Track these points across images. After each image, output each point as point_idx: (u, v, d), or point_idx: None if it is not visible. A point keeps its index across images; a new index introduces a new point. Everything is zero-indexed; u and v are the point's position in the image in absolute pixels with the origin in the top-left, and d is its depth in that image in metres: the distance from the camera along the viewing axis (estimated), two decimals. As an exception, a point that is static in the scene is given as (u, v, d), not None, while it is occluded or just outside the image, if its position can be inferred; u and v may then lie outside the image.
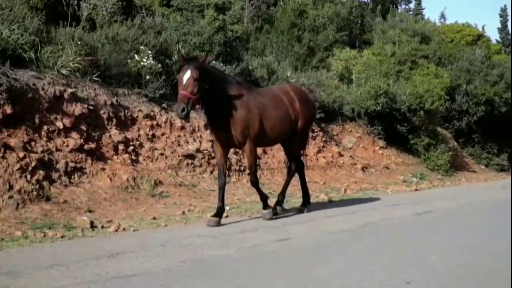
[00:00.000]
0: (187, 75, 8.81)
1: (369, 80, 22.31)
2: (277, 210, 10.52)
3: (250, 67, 17.88)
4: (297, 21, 26.77)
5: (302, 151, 11.50)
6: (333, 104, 20.27)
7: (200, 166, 13.78)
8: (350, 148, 19.96)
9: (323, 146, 18.56)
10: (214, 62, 15.87)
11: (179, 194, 12.05)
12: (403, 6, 47.50)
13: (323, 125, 19.64)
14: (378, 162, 19.95)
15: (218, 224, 9.33)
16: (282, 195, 10.94)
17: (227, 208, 11.23)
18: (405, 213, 11.49)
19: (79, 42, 12.82)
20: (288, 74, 19.76)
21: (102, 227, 9.00)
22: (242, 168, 14.63)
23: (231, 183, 13.93)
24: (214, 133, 9.84)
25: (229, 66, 16.24)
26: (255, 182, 10.10)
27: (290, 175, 11.15)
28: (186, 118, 9.30)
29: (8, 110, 10.46)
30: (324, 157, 17.99)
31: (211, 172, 13.84)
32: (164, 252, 7.39)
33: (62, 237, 8.25)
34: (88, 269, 6.39)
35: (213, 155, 14.19)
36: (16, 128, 10.59)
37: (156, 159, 12.89)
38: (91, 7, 15.67)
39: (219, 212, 9.55)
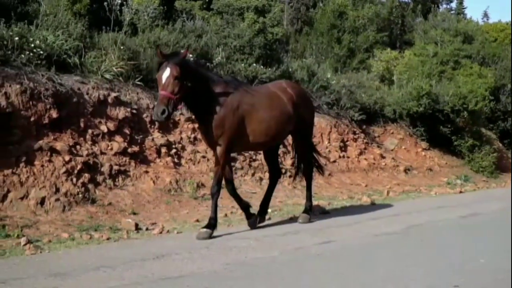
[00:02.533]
0: (166, 73, 8.08)
1: (410, 81, 22.05)
2: (301, 220, 9.94)
3: (290, 70, 17.85)
4: (337, 23, 26.66)
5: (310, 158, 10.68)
6: (374, 106, 20.11)
7: (242, 168, 13.81)
8: (392, 150, 19.77)
9: (365, 148, 18.41)
10: (254, 64, 15.90)
11: (221, 196, 12.02)
12: (445, 6, 46.79)
13: (364, 127, 19.50)
14: (421, 164, 19.72)
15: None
16: (308, 201, 10.34)
17: (269, 210, 11.25)
18: (450, 215, 11.32)
19: (121, 47, 12.97)
20: (328, 76, 19.66)
21: (147, 229, 9.09)
22: (283, 170, 14.58)
23: (273, 186, 13.91)
24: (202, 135, 9.38)
25: (269, 69, 16.25)
26: (214, 193, 8.84)
27: (308, 180, 10.55)
28: (167, 120, 8.75)
29: (54, 114, 10.66)
30: (365, 159, 17.85)
31: (253, 175, 13.86)
32: (208, 254, 7.43)
33: (107, 239, 8.37)
34: (135, 271, 6.47)
35: (254, 157, 14.25)
36: (61, 132, 10.79)
37: (198, 162, 12.96)
38: (133, 12, 15.89)
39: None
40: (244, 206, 9.47)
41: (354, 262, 7.16)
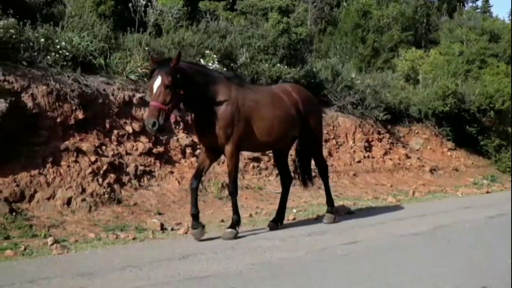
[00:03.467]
0: (157, 83, 7.65)
1: (436, 80, 21.86)
2: (326, 220, 9.84)
3: (314, 69, 17.79)
4: (361, 22, 26.51)
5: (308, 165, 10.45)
6: (399, 106, 19.99)
7: (266, 169, 13.80)
8: (417, 150, 19.62)
9: (390, 148, 18.31)
10: (279, 64, 15.88)
11: (245, 197, 12.09)
12: (470, 4, 46.33)
13: (389, 126, 19.39)
14: (447, 164, 19.54)
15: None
16: (330, 205, 10.15)
17: (294, 211, 11.23)
18: (477, 216, 11.19)
19: (146, 48, 13.03)
20: (353, 76, 19.59)
21: (172, 229, 9.11)
22: (308, 170, 14.55)
23: (297, 186, 13.84)
24: (199, 136, 8.78)
25: (293, 69, 16.21)
26: (232, 192, 8.73)
27: (324, 181, 10.35)
28: (159, 132, 8.29)
29: (80, 115, 10.74)
30: (391, 159, 17.74)
31: (277, 175, 13.77)
32: (234, 255, 7.42)
33: (133, 239, 8.41)
34: (161, 271, 6.48)
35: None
36: (87, 133, 10.88)
37: (223, 162, 12.92)
38: (157, 13, 15.95)
39: (198, 222, 8.43)
40: (194, 212, 8.48)
41: (381, 263, 7.10)
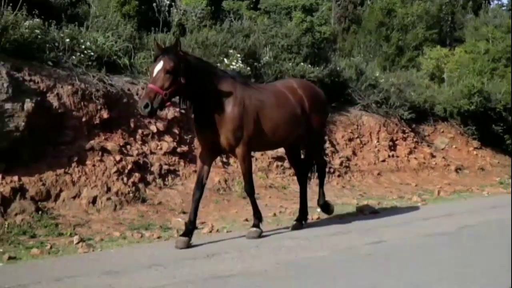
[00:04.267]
0: (158, 67, 7.47)
1: (461, 78, 21.64)
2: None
3: (338, 68, 17.70)
4: (385, 20, 26.37)
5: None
6: (424, 104, 19.82)
7: (290, 168, 13.72)
8: (442, 149, 19.43)
9: (415, 147, 18.16)
10: (302, 63, 15.83)
11: (269, 196, 12.08)
12: (496, 2, 45.88)
13: (414, 125, 19.25)
14: (473, 163, 19.33)
15: (188, 245, 7.76)
16: (321, 199, 9.78)
17: (318, 210, 11.18)
18: (504, 215, 11.01)
19: (170, 47, 13.04)
20: (377, 74, 19.45)
21: (196, 228, 9.10)
22: (332, 170, 14.52)
23: (321, 185, 13.84)
24: (199, 135, 8.38)
25: (317, 68, 16.14)
26: (250, 192, 8.60)
27: (320, 179, 9.89)
28: (151, 115, 8.20)
29: (105, 115, 10.81)
30: (415, 158, 17.60)
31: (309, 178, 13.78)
32: (259, 254, 7.40)
33: (158, 237, 8.46)
34: (186, 269, 6.49)
35: (302, 156, 14.16)
36: (112, 132, 10.94)
37: (247, 161, 12.95)
38: (181, 13, 16.01)
39: (189, 230, 7.97)
40: (192, 220, 8.12)
41: (406, 263, 7.04)
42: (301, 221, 9.43)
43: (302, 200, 9.65)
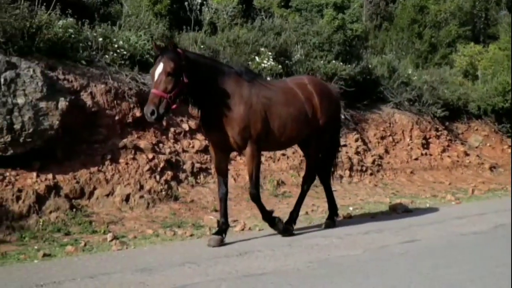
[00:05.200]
0: (159, 69, 7.22)
1: (496, 76, 21.31)
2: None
3: (370, 66, 17.58)
4: (418, 17, 26.07)
5: (334, 157, 9.82)
6: (458, 102, 19.58)
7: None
8: (476, 147, 19.18)
9: (448, 145, 17.95)
10: (334, 61, 15.75)
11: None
12: (530, -2, 45.00)
13: (447, 123, 19.03)
14: (507, 161, 19.01)
15: (222, 243, 7.76)
16: (295, 212, 9.06)
17: (350, 208, 11.14)
18: (540, 214, 10.86)
19: (201, 46, 13.14)
20: (410, 72, 19.27)
21: (229, 226, 9.11)
22: (364, 168, 14.44)
23: (353, 184, 13.81)
24: (207, 135, 8.31)
25: (348, 65, 16.05)
26: (255, 195, 8.17)
27: (302, 190, 9.23)
28: (158, 121, 7.85)
29: (138, 113, 10.88)
30: (449, 156, 17.40)
31: (332, 173, 13.69)
32: (291, 252, 7.38)
33: (191, 235, 8.48)
34: (219, 267, 6.50)
35: (334, 155, 14.11)
36: (145, 131, 11.02)
37: (278, 160, 12.94)
38: (212, 12, 16.05)
39: (222, 229, 7.97)
40: (224, 219, 8.10)
41: (440, 262, 6.95)
42: (333, 219, 9.38)
43: (328, 197, 9.55)
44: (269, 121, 8.02)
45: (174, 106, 7.36)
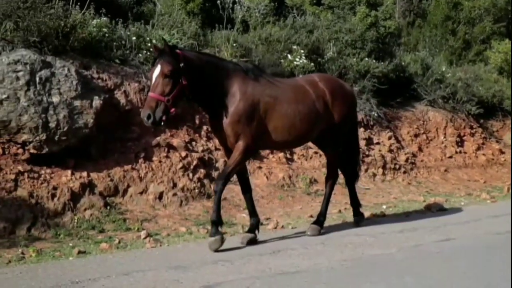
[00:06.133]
0: (156, 72, 7.03)
1: (532, 72, 20.98)
2: (309, 232, 8.42)
3: (403, 63, 17.41)
4: (451, 14, 25.72)
5: (356, 154, 9.55)
6: (493, 99, 19.25)
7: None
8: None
9: (483, 143, 17.69)
10: (366, 59, 15.63)
11: (334, 192, 11.82)
12: None
13: (481, 121, 18.75)
14: (543, 159, 18.71)
15: (254, 241, 7.77)
16: (322, 215, 8.78)
17: (383, 207, 11.05)
18: None
19: (234, 44, 13.13)
20: (443, 69, 19.02)
21: (261, 224, 9.07)
22: (397, 166, 14.31)
23: (386, 182, 13.69)
24: (215, 134, 8.16)
25: (381, 63, 15.92)
26: (220, 188, 7.55)
27: (326, 191, 8.99)
28: (156, 125, 7.24)
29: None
30: (483, 154, 17.14)
31: (366, 171, 13.63)
32: (324, 250, 7.36)
33: (224, 233, 8.46)
34: (252, 265, 6.51)
35: (367, 153, 14.03)
36: (178, 129, 11.07)
37: (311, 158, 12.89)
38: (244, 10, 16.07)
39: (254, 226, 7.98)
40: (254, 217, 8.13)
41: (477, 261, 6.87)
42: (359, 214, 9.25)
43: (351, 196, 9.37)
44: (270, 121, 7.74)
45: (172, 110, 7.06)
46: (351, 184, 9.43)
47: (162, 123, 7.08)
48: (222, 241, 7.35)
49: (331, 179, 8.96)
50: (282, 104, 7.85)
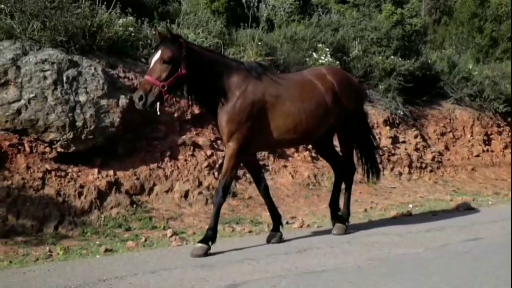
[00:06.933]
0: (155, 57, 6.92)
1: (560, 70, 20.64)
2: (335, 231, 8.30)
3: (429, 61, 17.26)
4: (478, 11, 25.46)
5: (373, 155, 9.21)
6: (520, 97, 19.04)
7: (380, 163, 13.43)
8: (540, 143, 18.61)
9: (510, 142, 17.46)
10: (392, 57, 15.52)
11: (359, 191, 11.90)
12: None
13: (509, 119, 18.50)
14: None
15: (280, 239, 7.67)
16: (346, 208, 8.64)
17: (410, 206, 10.97)
18: None
19: (259, 43, 13.12)
20: (470, 67, 18.83)
21: (287, 223, 9.05)
22: (423, 165, 14.21)
23: (413, 181, 13.59)
24: (219, 133, 7.84)
25: (407, 61, 15.80)
26: (218, 203, 7.30)
27: (346, 188, 8.74)
28: (147, 108, 6.98)
29: (196, 110, 10.94)
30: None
31: (391, 170, 13.57)
32: (351, 249, 7.31)
33: (249, 232, 8.51)
34: (278, 264, 6.49)
35: (393, 151, 13.94)
36: (203, 128, 11.10)
37: (337, 156, 12.83)
38: (269, 8, 16.06)
39: (277, 225, 7.86)
40: (275, 217, 8.01)
41: (505, 261, 6.74)
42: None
43: (334, 198, 8.63)
44: (271, 121, 7.49)
45: (166, 96, 6.94)
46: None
47: (155, 108, 6.94)
48: (206, 252, 7.00)
49: (347, 175, 8.70)
50: (285, 103, 7.61)
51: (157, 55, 6.91)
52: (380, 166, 13.06)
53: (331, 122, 8.13)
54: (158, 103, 6.91)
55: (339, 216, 8.50)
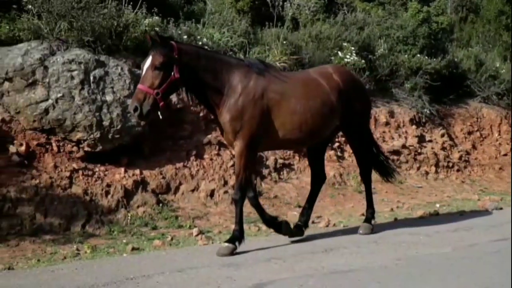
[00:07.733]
0: (146, 64, 6.76)
1: None
2: (361, 231, 8.25)
3: (456, 59, 17.09)
4: (505, 9, 25.17)
5: (378, 157, 8.98)
6: (548, 96, 18.77)
7: (406, 162, 13.45)
8: None
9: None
10: (418, 55, 15.40)
11: (386, 191, 11.83)
12: None
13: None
14: None
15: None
16: (369, 208, 8.62)
17: (437, 205, 10.88)
18: None
19: (284, 42, 13.09)
20: (497, 65, 18.59)
21: (313, 222, 9.02)
22: (450, 164, 14.07)
23: (439, 180, 13.47)
24: (221, 132, 7.74)
25: (434, 59, 15.66)
26: (238, 199, 7.21)
27: (366, 185, 8.75)
28: (143, 119, 6.94)
29: (221, 109, 10.95)
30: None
31: (418, 169, 13.47)
32: (377, 249, 7.28)
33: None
34: (305, 263, 6.48)
35: (419, 150, 13.83)
36: (228, 126, 11.09)
37: (362, 154, 12.77)
38: (294, 7, 16.02)
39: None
40: (269, 220, 7.70)
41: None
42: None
43: (310, 203, 8.41)
44: (276, 119, 7.33)
45: (162, 104, 6.77)
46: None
47: (149, 117, 6.82)
48: (232, 252, 7.00)
49: (364, 174, 8.68)
50: (290, 100, 7.44)
51: (148, 62, 6.77)
52: (406, 165, 13.21)
53: (336, 123, 8.01)
54: (153, 112, 6.77)
55: (299, 225, 8.12)
